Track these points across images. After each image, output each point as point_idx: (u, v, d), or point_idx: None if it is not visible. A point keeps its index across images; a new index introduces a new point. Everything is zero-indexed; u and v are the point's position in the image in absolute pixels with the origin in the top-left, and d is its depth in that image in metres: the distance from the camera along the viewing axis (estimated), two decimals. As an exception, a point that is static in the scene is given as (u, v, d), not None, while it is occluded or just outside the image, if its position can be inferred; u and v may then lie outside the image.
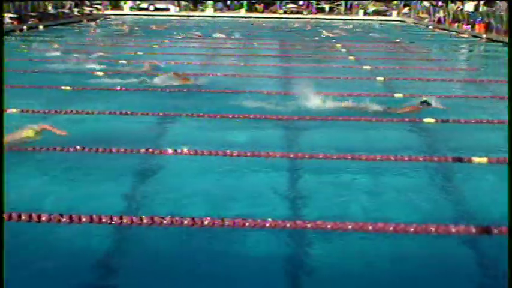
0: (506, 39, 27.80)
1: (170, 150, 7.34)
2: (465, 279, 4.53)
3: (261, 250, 4.87)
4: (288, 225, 5.12)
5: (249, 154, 7.26)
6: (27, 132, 7.39)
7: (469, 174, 6.97)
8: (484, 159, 7.14)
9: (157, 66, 15.26)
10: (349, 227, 5.03)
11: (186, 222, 5.06)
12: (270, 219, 5.10)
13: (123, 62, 16.34)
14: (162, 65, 15.46)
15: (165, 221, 5.06)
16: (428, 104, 10.29)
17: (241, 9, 50.27)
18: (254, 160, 7.17)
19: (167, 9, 50.14)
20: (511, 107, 4.47)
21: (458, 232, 4.99)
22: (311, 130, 8.91)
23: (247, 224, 5.06)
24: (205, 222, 5.07)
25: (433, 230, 4.99)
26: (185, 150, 7.27)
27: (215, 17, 47.00)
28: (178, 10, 50.09)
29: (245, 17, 46.42)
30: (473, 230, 4.99)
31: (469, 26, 34.54)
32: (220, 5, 52.08)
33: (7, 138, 6.71)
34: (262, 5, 51.40)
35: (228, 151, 7.31)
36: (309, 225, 5.10)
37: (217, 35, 27.95)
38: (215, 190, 6.24)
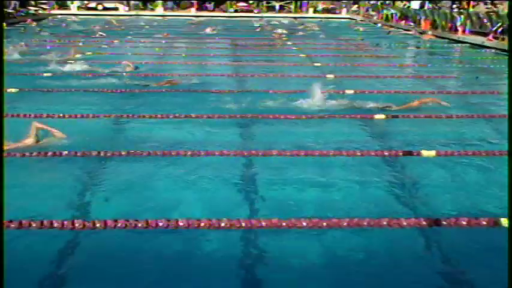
0: (451, 36, 28.67)
1: (123, 152, 7.22)
2: (417, 271, 4.63)
3: (216, 250, 4.85)
4: (243, 224, 5.11)
5: (202, 153, 7.22)
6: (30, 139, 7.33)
7: (418, 167, 7.13)
8: (433, 153, 7.33)
9: (137, 66, 15.22)
10: (304, 224, 5.06)
11: (140, 224, 4.98)
12: (225, 219, 5.08)
13: (71, 62, 15.98)
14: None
15: (119, 224, 4.97)
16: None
17: (191, 8, 49.94)
18: (207, 159, 7.14)
19: (116, 9, 49.33)
20: (510, 106, 4.62)
21: (410, 225, 5.10)
22: (264, 128, 8.94)
23: (202, 224, 5.03)
24: (160, 224, 5.01)
25: (386, 223, 5.08)
26: (138, 151, 7.17)
27: (165, 16, 46.54)
28: (127, 9, 49.35)
29: (195, 16, 46.14)
30: (424, 223, 5.11)
31: (415, 23, 35.43)
32: (170, 4, 51.61)
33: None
34: (211, 3, 51.23)
35: (182, 151, 7.25)
36: (264, 224, 5.11)
37: (169, 33, 27.69)
38: (167, 192, 6.17)
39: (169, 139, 8.04)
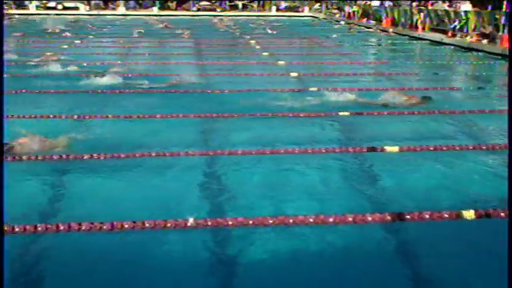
0: (411, 33, 29.18)
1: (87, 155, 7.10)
2: (383, 265, 4.70)
3: (183, 250, 4.82)
4: (209, 223, 5.09)
5: (167, 154, 7.16)
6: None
7: (382, 163, 7.23)
8: (396, 148, 7.44)
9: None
10: (270, 221, 5.07)
11: (105, 227, 4.91)
12: (191, 219, 5.05)
13: (32, 63, 15.65)
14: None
15: (83, 227, 4.89)
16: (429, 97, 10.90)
17: (153, 8, 49.48)
18: (171, 160, 7.08)
19: (76, 8, 48.48)
20: (510, 106, 4.69)
21: (374, 220, 5.16)
22: (229, 127, 8.92)
23: (168, 224, 4.98)
24: (126, 226, 4.95)
25: (351, 219, 5.13)
26: (97, 155, 7.06)
27: (127, 15, 46.00)
28: (88, 9, 48.57)
29: (158, 15, 45.76)
30: (388, 217, 5.18)
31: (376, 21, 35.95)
32: (132, 3, 51.03)
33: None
34: (175, 2, 50.87)
35: (146, 152, 7.17)
36: (230, 223, 5.10)
37: (131, 33, 27.39)
38: (129, 193, 6.12)
39: (131, 140, 7.93)
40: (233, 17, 44.90)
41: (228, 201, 5.98)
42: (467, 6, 27.04)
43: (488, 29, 23.56)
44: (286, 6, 52.89)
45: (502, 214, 5.19)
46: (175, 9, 50.06)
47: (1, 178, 3.09)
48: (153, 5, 50.07)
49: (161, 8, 49.73)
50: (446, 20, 27.24)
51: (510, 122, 4.42)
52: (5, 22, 36.77)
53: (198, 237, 5.05)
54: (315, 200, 5.96)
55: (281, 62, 17.09)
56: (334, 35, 29.02)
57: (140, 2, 51.77)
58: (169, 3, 51.00)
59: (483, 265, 4.67)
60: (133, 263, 4.61)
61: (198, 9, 50.31)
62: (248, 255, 4.78)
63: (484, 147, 7.82)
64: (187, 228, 4.97)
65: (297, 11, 51.83)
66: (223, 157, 7.28)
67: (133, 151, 7.22)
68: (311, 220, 5.09)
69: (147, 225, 4.94)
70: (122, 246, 4.90)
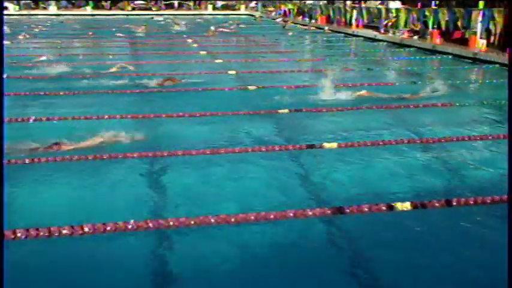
0: (346, 30, 29.78)
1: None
2: (325, 259, 4.77)
3: (124, 253, 4.73)
4: (150, 225, 5.02)
5: (105, 157, 6.99)
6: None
7: (321, 159, 7.34)
8: (334, 145, 7.57)
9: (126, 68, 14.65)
10: (212, 220, 5.05)
11: (42, 233, 4.75)
12: (132, 221, 4.96)
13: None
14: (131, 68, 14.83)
15: (19, 235, 4.71)
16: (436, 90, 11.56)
17: (87, 7, 48.25)
18: (110, 162, 6.93)
19: (5, 8, 46.58)
20: (510, 106, 4.76)
21: (315, 215, 5.24)
22: (171, 127, 8.82)
23: (108, 228, 4.87)
24: (64, 232, 4.80)
25: (292, 215, 5.18)
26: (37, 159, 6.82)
27: (59, 15, 44.64)
28: (17, 8, 46.79)
29: (91, 15, 44.67)
30: (328, 212, 5.27)
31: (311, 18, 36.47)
32: (64, 3, 49.56)
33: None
34: (108, 2, 49.79)
35: (83, 156, 6.98)
36: (171, 224, 5.04)
37: (64, 33, 26.60)
38: (71, 197, 5.95)
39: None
40: (169, 16, 44.40)
41: (170, 201, 5.92)
42: (397, 4, 27.83)
43: (418, 26, 24.38)
44: (222, 5, 52.81)
45: (437, 205, 5.38)
46: (110, 9, 48.99)
47: (1, 179, 3.02)
48: (87, 4, 48.79)
49: (95, 7, 48.53)
50: (378, 17, 27.96)
51: (510, 122, 4.57)
52: None
53: (138, 239, 4.97)
54: (257, 198, 5.98)
55: (219, 60, 17.06)
56: (271, 33, 29.23)
57: (73, 1, 50.35)
58: (103, 3, 49.85)
59: (419, 255, 4.83)
60: (74, 268, 4.49)
61: (133, 9, 49.45)
62: (192, 255, 4.75)
63: (418, 141, 8.08)
64: (128, 231, 4.88)
65: (234, 9, 51.86)
66: (164, 159, 7.17)
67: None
68: (252, 218, 5.11)
69: (86, 229, 4.82)
70: (62, 252, 4.76)
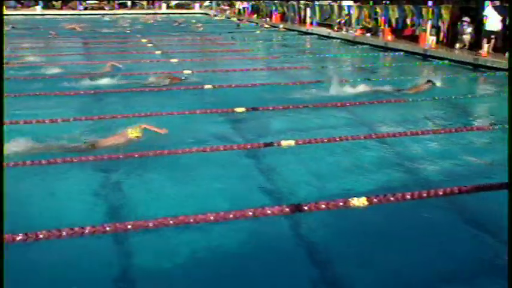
0: (300, 28, 30.02)
1: None
2: (285, 255, 4.80)
3: (80, 257, 4.65)
4: (108, 229, 4.94)
5: (59, 161, 6.84)
6: (133, 133, 7.55)
7: (279, 157, 7.38)
8: (292, 142, 7.61)
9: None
10: (171, 222, 5.00)
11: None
12: (88, 226, 4.87)
13: None
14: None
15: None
16: (434, 83, 11.96)
17: (36, 7, 47.04)
18: (60, 167, 6.76)
19: None
20: (510, 106, 4.81)
21: (274, 213, 5.26)
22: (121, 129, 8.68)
23: (64, 233, 4.77)
24: (18, 238, 4.67)
25: (251, 214, 5.19)
26: None
27: (8, 15, 43.37)
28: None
29: (41, 15, 43.60)
30: (287, 209, 5.30)
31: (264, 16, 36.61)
32: (12, 3, 48.16)
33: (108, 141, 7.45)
34: (60, 1, 48.68)
35: (36, 161, 6.81)
36: (129, 227, 4.98)
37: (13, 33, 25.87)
38: (20, 201, 5.80)
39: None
40: (122, 15, 43.80)
41: (126, 204, 5.85)
42: (349, 2, 28.22)
43: (370, 23, 24.80)
44: (176, 4, 52.41)
45: (392, 199, 5.48)
46: (61, 9, 47.91)
47: (1, 181, 2.98)
48: (37, 3, 47.56)
49: (45, 7, 47.35)
50: (331, 15, 28.29)
51: (510, 121, 4.66)
52: None
53: (96, 243, 4.89)
54: (215, 198, 5.97)
55: (174, 60, 16.93)
56: (226, 32, 29.19)
57: (22, 1, 48.99)
58: (54, 2, 48.69)
59: (375, 248, 4.93)
60: (30, 274, 4.39)
61: (85, 8, 48.51)
62: (150, 257, 4.71)
63: (374, 137, 8.22)
64: (85, 236, 4.79)
65: (188, 8, 51.55)
66: (118, 161, 7.07)
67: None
68: (212, 218, 5.08)
69: (41, 236, 4.70)
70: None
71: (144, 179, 6.55)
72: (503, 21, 17.13)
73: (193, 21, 36.43)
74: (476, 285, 4.38)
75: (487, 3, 17.44)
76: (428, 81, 12.35)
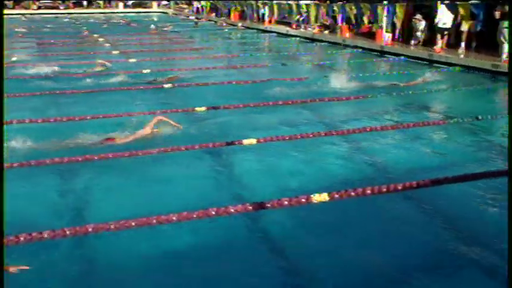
0: (259, 26, 30.09)
1: None
2: (248, 254, 4.82)
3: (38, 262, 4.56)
4: (68, 232, 4.84)
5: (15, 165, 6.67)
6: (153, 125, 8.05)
7: (241, 156, 7.38)
8: (253, 141, 7.63)
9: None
10: (133, 224, 4.95)
11: None
12: (48, 230, 4.76)
13: None
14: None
15: None
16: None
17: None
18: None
19: None
20: (510, 106, 4.83)
21: (237, 211, 5.26)
22: (85, 129, 8.53)
23: (22, 238, 4.65)
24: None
25: (214, 213, 5.18)
26: None
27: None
28: None
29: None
30: (250, 208, 5.31)
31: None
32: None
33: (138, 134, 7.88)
34: (12, 1, 47.45)
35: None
36: (90, 230, 4.89)
37: None
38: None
39: None
40: (78, 15, 43.00)
41: (87, 207, 5.75)
42: (307, 1, 28.45)
43: (328, 21, 25.06)
44: (133, 3, 51.79)
45: (353, 194, 5.56)
46: (13, 8, 46.70)
47: (1, 181, 2.92)
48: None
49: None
50: (289, 13, 28.46)
51: (510, 121, 4.72)
52: None
53: (55, 248, 4.80)
54: (178, 198, 5.94)
55: (132, 60, 16.72)
56: (185, 31, 29.02)
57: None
58: (6, 1, 47.39)
59: (337, 243, 4.99)
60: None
61: (39, 7, 47.40)
62: (112, 260, 4.65)
63: (334, 133, 8.31)
64: (43, 240, 4.69)
65: (145, 7, 51.02)
66: (71, 165, 6.91)
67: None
68: (174, 218, 5.05)
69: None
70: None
71: (105, 180, 6.46)
72: (454, 18, 17.62)
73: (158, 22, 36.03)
74: (437, 275, 4.49)
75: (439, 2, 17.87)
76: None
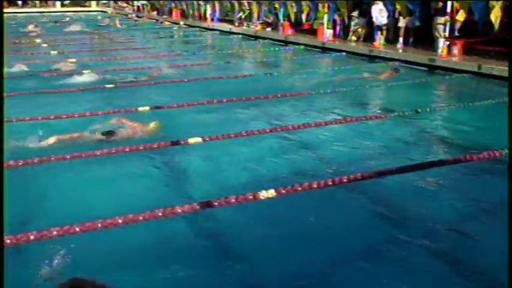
0: (201, 25, 29.94)
1: None
2: (198, 252, 4.79)
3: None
4: (8, 241, 4.66)
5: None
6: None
7: (187, 155, 7.32)
8: (199, 139, 7.57)
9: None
10: (77, 229, 4.81)
11: None
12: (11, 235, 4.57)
13: None
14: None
15: None
16: (397, 70, 13.52)
17: None
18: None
19: None
20: (510, 105, 4.81)
21: (184, 211, 5.21)
22: (22, 135, 8.26)
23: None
24: None
25: (161, 214, 5.11)
26: None
27: None
28: None
29: None
30: (197, 207, 5.27)
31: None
32: None
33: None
34: None
35: None
36: (32, 237, 4.72)
37: None
38: None
39: None
40: (13, 14, 41.56)
41: (28, 212, 5.56)
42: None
43: (270, 18, 25.23)
44: (71, 2, 50.51)
45: (299, 189, 5.61)
46: None
47: (1, 181, 2.93)
48: None
49: None
50: (232, 11, 28.48)
51: (510, 121, 4.76)
52: None
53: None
54: (123, 200, 5.83)
55: (72, 60, 16.29)
56: (126, 29, 28.55)
57: None
58: None
59: (287, 237, 5.03)
60: None
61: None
62: (58, 268, 4.51)
63: (279, 130, 8.35)
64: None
65: (84, 6, 49.86)
66: (19, 167, 6.69)
67: None
68: (120, 221, 4.94)
69: None
70: None
71: (49, 183, 6.27)
72: (392, 14, 18.13)
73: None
74: (382, 264, 4.59)
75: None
76: (395, 68, 14.10)
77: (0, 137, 3.11)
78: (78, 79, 12.94)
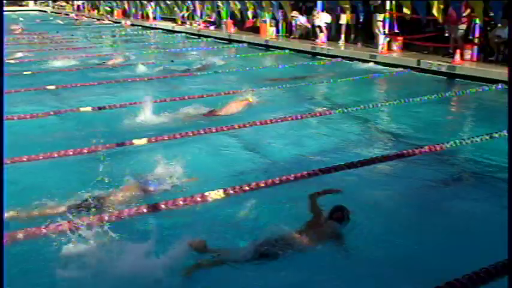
0: (144, 23, 29.55)
1: None
2: (145, 256, 4.72)
3: None
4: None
5: None
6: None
7: (132, 156, 7.22)
8: (144, 140, 7.50)
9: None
10: (20, 235, 4.70)
11: None
12: None
13: None
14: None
15: None
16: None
17: None
18: None
19: None
20: (511, 105, 4.78)
21: (130, 215, 5.17)
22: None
23: None
24: None
25: (107, 218, 5.05)
26: None
27: None
28: None
29: None
30: (144, 210, 5.22)
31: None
32: None
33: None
34: None
35: None
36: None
37: None
38: None
39: None
40: None
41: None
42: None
43: (212, 17, 25.20)
44: (7, 1, 48.78)
45: (247, 188, 5.66)
46: None
47: (1, 181, 2.96)
48: None
49: None
50: (175, 9, 28.24)
51: (510, 121, 4.78)
52: None
53: None
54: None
55: (10, 61, 15.75)
56: (67, 29, 27.86)
57: None
58: None
59: (237, 238, 5.04)
60: None
61: None
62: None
63: (225, 129, 8.32)
64: None
65: (21, 5, 48.26)
66: None
67: None
68: (65, 226, 4.85)
69: None
70: None
71: (20, 188, 6.04)
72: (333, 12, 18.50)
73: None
74: (336, 259, 4.64)
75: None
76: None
77: (0, 136, 3.06)
78: (16, 81, 12.54)
